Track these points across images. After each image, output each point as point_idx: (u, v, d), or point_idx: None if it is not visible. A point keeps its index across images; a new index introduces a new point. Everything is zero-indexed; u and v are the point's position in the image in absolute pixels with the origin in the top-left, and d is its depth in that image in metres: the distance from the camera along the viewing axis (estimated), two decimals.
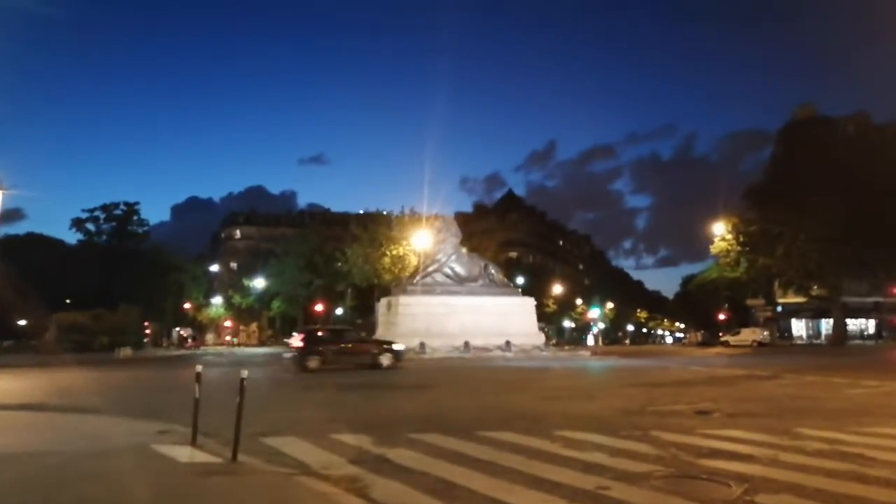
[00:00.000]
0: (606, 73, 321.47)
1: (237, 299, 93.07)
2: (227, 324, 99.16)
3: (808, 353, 40.27)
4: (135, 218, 71.11)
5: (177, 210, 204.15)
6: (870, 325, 66.60)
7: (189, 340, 78.57)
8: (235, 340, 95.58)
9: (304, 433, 9.40)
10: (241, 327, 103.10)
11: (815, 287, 57.83)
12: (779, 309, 68.84)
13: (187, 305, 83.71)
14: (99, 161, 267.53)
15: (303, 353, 24.76)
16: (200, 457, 7.55)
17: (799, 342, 63.90)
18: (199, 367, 8.60)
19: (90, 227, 68.99)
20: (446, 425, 9.97)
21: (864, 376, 18.53)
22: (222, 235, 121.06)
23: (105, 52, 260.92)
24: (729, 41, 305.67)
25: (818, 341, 63.76)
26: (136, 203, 71.35)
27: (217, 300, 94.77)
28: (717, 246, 60.78)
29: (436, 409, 12.61)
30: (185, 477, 6.67)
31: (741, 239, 58.01)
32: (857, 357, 32.64)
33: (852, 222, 47.74)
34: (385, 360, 25.59)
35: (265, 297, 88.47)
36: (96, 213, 69.04)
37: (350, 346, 26.72)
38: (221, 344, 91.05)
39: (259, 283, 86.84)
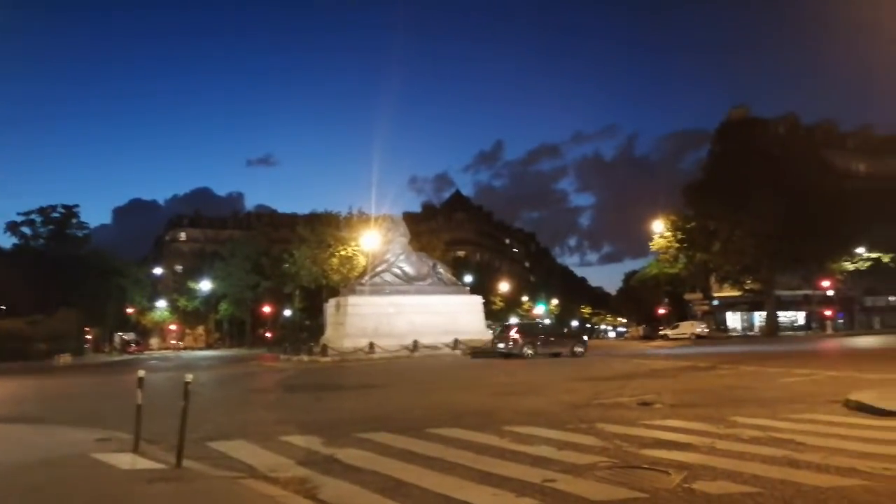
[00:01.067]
0: (552, 74, 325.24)
1: (182, 302, 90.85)
2: (173, 327, 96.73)
3: (744, 344, 41.74)
4: (74, 221, 68.59)
5: (119, 213, 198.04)
6: (800, 317, 69.45)
7: (132, 345, 76.30)
8: (182, 344, 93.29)
9: (252, 436, 9.31)
10: (188, 331, 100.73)
11: (750, 281, 60.01)
12: (715, 303, 71.10)
13: (130, 310, 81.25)
14: (35, 163, 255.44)
15: (521, 344, 30.24)
16: (143, 463, 7.37)
17: (734, 334, 66.08)
18: (141, 372, 8.43)
19: (26, 230, 66.30)
20: (396, 424, 10.01)
21: (796, 366, 19.36)
22: (167, 238, 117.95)
23: (41, 51, 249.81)
24: (670, 43, 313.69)
25: (752, 333, 66.10)
26: (76, 206, 68.89)
27: (161, 304, 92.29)
28: (657, 242, 62.50)
29: (385, 409, 12.63)
30: (125, 485, 6.51)
31: (679, 235, 59.80)
32: (788, 347, 34.01)
33: (784, 219, 49.80)
34: (578, 349, 31.25)
35: (211, 300, 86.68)
36: (32, 216, 66.42)
37: (553, 338, 32.60)
38: (167, 348, 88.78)
39: (205, 285, 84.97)
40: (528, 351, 29.91)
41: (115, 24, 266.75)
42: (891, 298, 71.48)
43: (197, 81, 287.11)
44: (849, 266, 59.62)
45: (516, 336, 31.05)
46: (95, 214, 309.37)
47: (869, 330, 62.69)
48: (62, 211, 67.84)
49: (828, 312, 59.84)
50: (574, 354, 30.20)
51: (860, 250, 57.47)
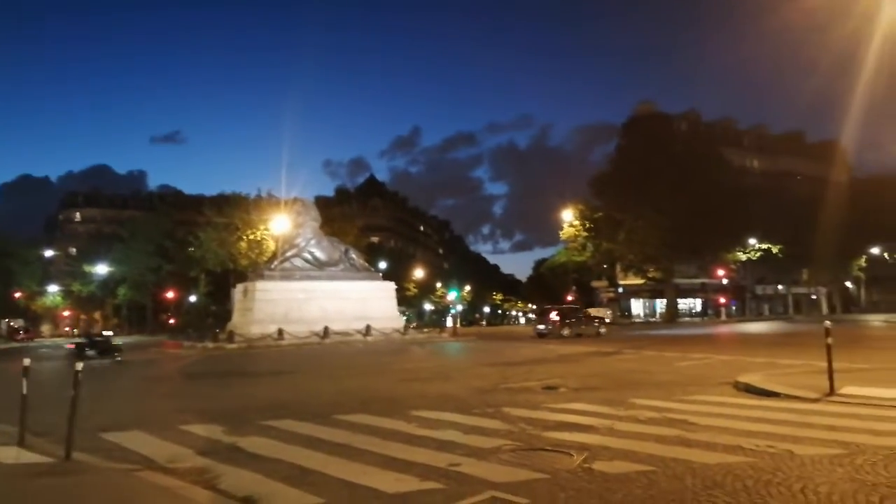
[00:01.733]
0: (470, 62, 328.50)
1: (77, 287, 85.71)
2: (66, 313, 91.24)
3: (645, 330, 43.64)
4: None
5: (6, 189, 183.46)
6: (697, 304, 73.34)
7: (21, 332, 71.48)
8: (76, 331, 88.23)
9: (150, 426, 8.93)
10: (83, 316, 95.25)
11: (652, 270, 62.73)
12: (620, 290, 74.01)
13: (18, 294, 75.99)
14: None
15: (559, 325, 33.73)
16: (29, 457, 6.95)
17: (637, 320, 69.02)
18: (26, 361, 7.92)
19: None
20: (303, 411, 9.85)
21: (692, 350, 20.44)
22: (60, 218, 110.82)
23: None
24: (585, 37, 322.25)
25: (654, 319, 69.25)
26: None
27: (54, 288, 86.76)
28: (566, 231, 64.26)
29: (293, 396, 12.41)
30: (9, 480, 6.11)
31: (587, 225, 61.74)
32: (686, 332, 35.83)
33: (684, 211, 52.24)
34: (602, 329, 35.71)
35: (109, 284, 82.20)
36: None
37: (584, 318, 36.86)
38: (60, 335, 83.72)
39: (102, 269, 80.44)
40: (566, 332, 33.31)
41: None
42: (779, 287, 76.61)
43: (99, 51, 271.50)
44: (742, 256, 63.35)
45: (556, 318, 34.51)
46: None
47: (759, 316, 67.00)
48: None
49: (722, 300, 63.48)
50: (598, 335, 34.07)
51: (752, 241, 61.08)
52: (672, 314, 62.67)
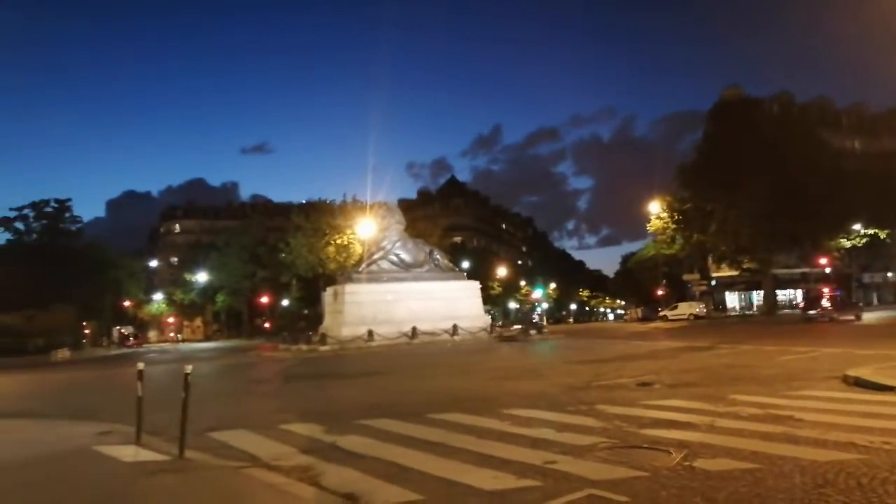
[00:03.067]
0: (549, 57, 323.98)
1: (179, 295, 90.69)
2: (170, 320, 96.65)
3: (742, 323, 41.91)
4: (67, 215, 68.19)
5: (112, 205, 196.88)
6: (798, 295, 69.64)
7: (130, 339, 76.18)
8: (180, 337, 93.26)
9: (254, 425, 9.33)
10: (185, 323, 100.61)
11: (747, 261, 60.06)
12: (713, 283, 71.28)
13: (127, 303, 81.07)
14: (27, 157, 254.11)
15: (833, 311, 36.71)
16: (145, 455, 7.40)
17: (733, 314, 66.31)
18: (140, 365, 8.43)
19: (19, 225, 65.82)
20: (397, 410, 10.04)
21: (794, 344, 19.46)
22: (161, 230, 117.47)
23: (32, 42, 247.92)
24: (667, 24, 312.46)
25: (750, 312, 66.32)
26: (68, 200, 68.43)
27: (158, 296, 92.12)
28: (654, 224, 62.46)
29: (386, 395, 12.66)
30: (129, 477, 6.53)
31: (676, 217, 59.75)
32: (787, 326, 34.15)
33: (779, 198, 49.73)
34: (861, 315, 37.96)
35: (208, 292, 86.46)
36: (25, 211, 65.90)
37: (845, 305, 39.56)
38: (165, 341, 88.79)
39: (201, 277, 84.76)
40: (835, 315, 36.19)
41: (106, 13, 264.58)
42: (888, 274, 71.74)
43: (189, 71, 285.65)
44: (845, 243, 59.72)
45: (827, 304, 37.68)
46: (89, 207, 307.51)
47: (867, 306, 62.94)
48: (55, 205, 67.46)
49: (826, 290, 60.02)
50: (859, 318, 36.46)
51: (856, 227, 57.52)
52: (771, 306, 59.77)
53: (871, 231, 57.37)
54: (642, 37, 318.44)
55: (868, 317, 39.37)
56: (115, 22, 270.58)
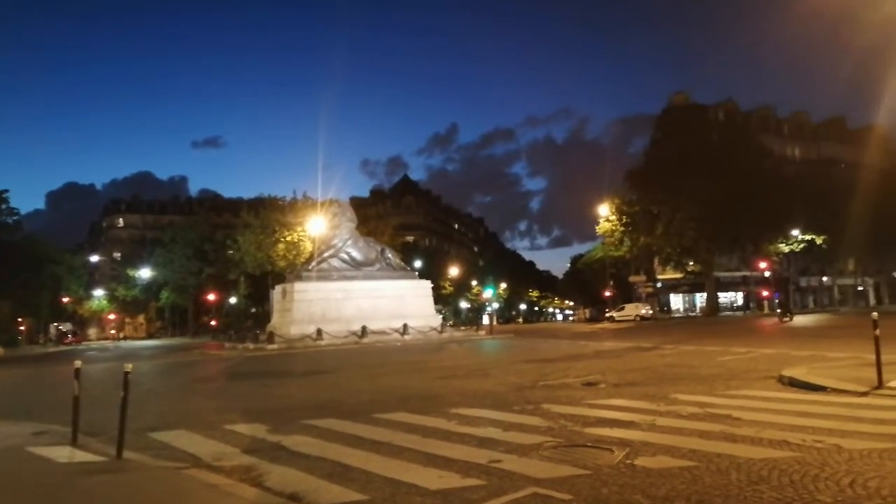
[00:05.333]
0: (506, 57, 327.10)
1: (121, 291, 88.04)
2: (112, 317, 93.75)
3: (686, 324, 42.99)
4: (3, 207, 65.37)
5: (53, 197, 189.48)
6: (738, 298, 71.92)
7: (69, 336, 73.70)
8: (122, 334, 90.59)
9: (196, 425, 9.14)
10: (127, 320, 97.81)
11: (691, 263, 61.76)
12: (658, 285, 73.03)
13: (66, 299, 78.28)
14: None
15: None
16: (81, 456, 7.17)
17: (677, 315, 68.02)
18: (77, 363, 8.16)
19: None
20: (343, 410, 9.97)
21: (734, 344, 20.07)
22: (104, 224, 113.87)
23: None
24: (622, 27, 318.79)
25: (694, 314, 68.15)
26: (5, 191, 65.52)
27: (99, 293, 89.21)
28: (603, 226, 63.65)
29: (333, 395, 12.55)
30: (64, 477, 6.32)
31: (624, 219, 61.00)
32: (727, 327, 35.19)
33: (723, 202, 51.28)
34: None
35: (152, 288, 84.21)
36: None
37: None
38: (106, 338, 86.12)
39: (145, 273, 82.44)
40: None
41: (52, 4, 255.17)
42: (824, 278, 74.67)
43: (141, 62, 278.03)
44: (784, 248, 61.96)
45: None
46: (28, 199, 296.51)
47: (803, 309, 65.39)
48: None
49: (765, 293, 62.12)
50: None
51: (795, 232, 59.70)
52: (713, 308, 61.58)
53: (808, 236, 59.62)
54: (599, 39, 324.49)
55: (804, 319, 40.88)
56: (59, 9, 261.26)
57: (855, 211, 51.16)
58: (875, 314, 10.16)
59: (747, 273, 66.03)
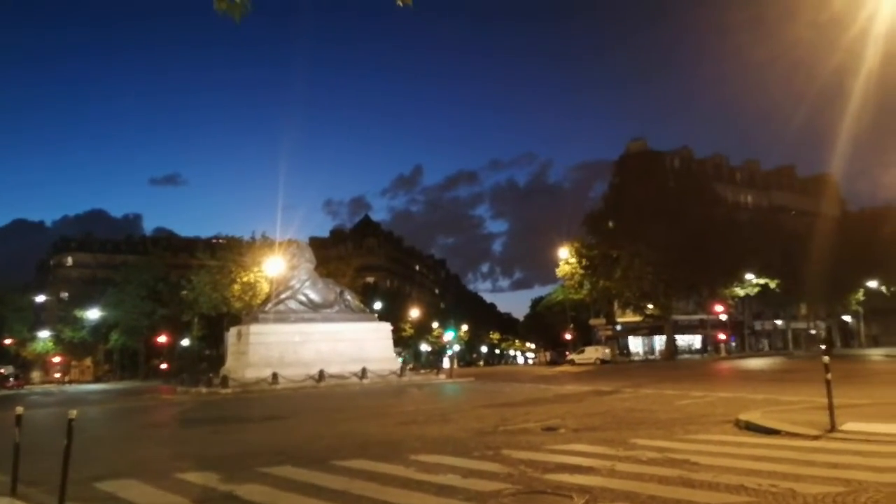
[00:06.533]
0: (472, 101, 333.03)
1: (68, 333, 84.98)
2: (57, 360, 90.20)
3: (645, 368, 43.41)
4: None
5: None
6: (696, 341, 73.06)
7: (10, 379, 70.53)
8: (67, 378, 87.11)
9: (145, 474, 8.79)
10: (74, 363, 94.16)
11: (650, 307, 62.67)
12: (618, 328, 73.80)
13: (8, 340, 75.20)
14: None
15: None
16: None
17: (636, 358, 68.64)
18: (19, 409, 7.83)
19: None
20: (300, 456, 9.73)
21: (692, 388, 20.31)
22: (52, 263, 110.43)
23: None
24: (584, 75, 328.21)
25: (653, 357, 68.89)
26: None
27: (44, 334, 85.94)
28: (562, 269, 64.31)
29: (289, 441, 12.24)
30: None
31: (583, 262, 61.80)
32: (686, 370, 35.62)
33: (679, 247, 52.46)
34: None
35: (101, 329, 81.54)
36: None
37: None
38: (50, 382, 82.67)
39: (94, 314, 79.84)
40: None
41: (3, 35, 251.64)
42: (778, 322, 76.48)
43: (97, 93, 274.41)
44: (739, 292, 63.41)
45: None
46: None
47: (758, 352, 66.74)
48: None
49: (721, 336, 63.29)
50: None
51: (749, 277, 61.22)
52: (671, 351, 62.40)
53: (762, 280, 61.20)
54: (562, 84, 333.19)
55: (758, 363, 41.66)
56: (13, 44, 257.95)
57: (806, 257, 52.84)
58: (826, 358, 10.39)
59: (704, 316, 67.28)
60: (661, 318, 63.43)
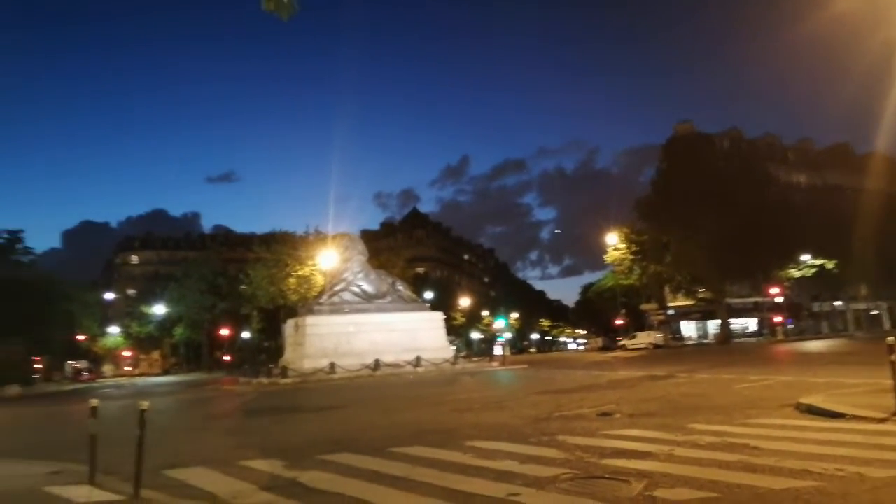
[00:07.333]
0: (518, 88, 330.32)
1: (135, 328, 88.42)
2: (127, 354, 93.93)
3: (699, 352, 42.60)
4: (18, 247, 66.19)
5: (69, 235, 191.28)
6: (751, 324, 71.22)
7: (84, 373, 73.74)
8: (136, 370, 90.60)
9: (212, 462, 9.12)
10: (142, 356, 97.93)
11: (702, 291, 61.37)
12: (670, 312, 72.51)
13: (81, 336, 78.60)
14: None
15: None
16: (99, 495, 7.19)
17: (689, 343, 67.36)
18: (94, 401, 8.22)
19: None
20: (359, 444, 9.94)
21: (749, 372, 19.89)
22: (117, 261, 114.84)
23: None
24: (632, 57, 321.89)
25: (706, 341, 67.48)
26: (20, 231, 66.42)
27: (114, 330, 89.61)
28: (612, 255, 63.56)
29: (348, 429, 12.52)
30: None
31: (633, 248, 60.94)
32: (742, 354, 34.85)
33: (732, 231, 51.19)
34: None
35: (166, 324, 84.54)
36: None
37: None
38: (121, 375, 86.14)
39: (159, 309, 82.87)
40: None
41: (62, 38, 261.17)
42: (837, 303, 73.93)
43: (155, 99, 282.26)
44: (795, 273, 61.54)
45: None
46: (44, 238, 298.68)
47: (817, 334, 64.65)
48: (6, 237, 65.44)
49: (777, 319, 61.57)
50: None
51: (805, 258, 59.37)
52: (726, 335, 61.02)
53: (818, 262, 59.24)
54: (607, 69, 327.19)
55: (817, 345, 40.46)
56: (72, 47, 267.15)
57: (862, 236, 50.95)
58: (890, 339, 10.05)
59: (759, 299, 65.53)
60: (713, 302, 62.11)
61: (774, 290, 58.40)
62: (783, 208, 55.96)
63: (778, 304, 60.90)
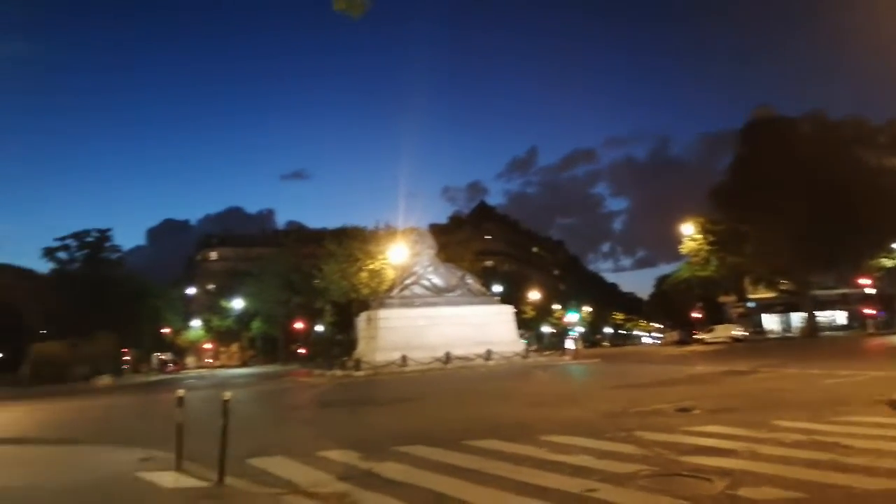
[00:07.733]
0: (585, 78, 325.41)
1: (215, 321, 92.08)
2: (207, 346, 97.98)
3: (783, 346, 40.89)
4: (107, 244, 70.08)
5: (152, 233, 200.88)
6: (838, 317, 67.81)
7: (169, 365, 77.48)
8: (216, 362, 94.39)
9: (291, 452, 9.39)
10: (222, 349, 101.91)
11: (785, 282, 58.83)
12: (751, 304, 69.87)
13: (165, 330, 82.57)
14: (69, 188, 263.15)
15: None
16: (186, 481, 7.49)
17: (772, 336, 64.78)
18: (180, 391, 8.56)
19: (62, 255, 67.73)
20: (432, 437, 10.00)
21: (838, 367, 18.90)
22: (197, 258, 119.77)
23: (71, 75, 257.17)
24: (699, 43, 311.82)
25: (790, 334, 64.73)
26: (109, 230, 70.43)
27: (196, 323, 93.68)
28: (687, 246, 61.69)
29: (422, 422, 12.63)
30: (171, 502, 6.63)
31: (709, 238, 58.96)
32: (829, 348, 33.24)
33: (815, 219, 48.79)
34: None
35: (244, 318, 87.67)
36: (68, 241, 67.83)
37: None
38: (202, 367, 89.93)
39: (237, 303, 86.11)
40: None
41: (145, 45, 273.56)
42: None
43: (230, 99, 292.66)
44: (887, 263, 58.15)
45: None
46: (131, 236, 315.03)
47: None
48: (96, 235, 69.30)
49: (869, 311, 58.36)
50: None
51: None
52: (812, 328, 58.31)
53: None
54: (675, 55, 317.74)
55: None
56: (154, 55, 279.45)
57: None
58: None
59: (846, 290, 62.30)
60: (797, 294, 59.44)
61: (865, 281, 55.36)
62: (873, 193, 52.88)
63: (868, 295, 57.72)
